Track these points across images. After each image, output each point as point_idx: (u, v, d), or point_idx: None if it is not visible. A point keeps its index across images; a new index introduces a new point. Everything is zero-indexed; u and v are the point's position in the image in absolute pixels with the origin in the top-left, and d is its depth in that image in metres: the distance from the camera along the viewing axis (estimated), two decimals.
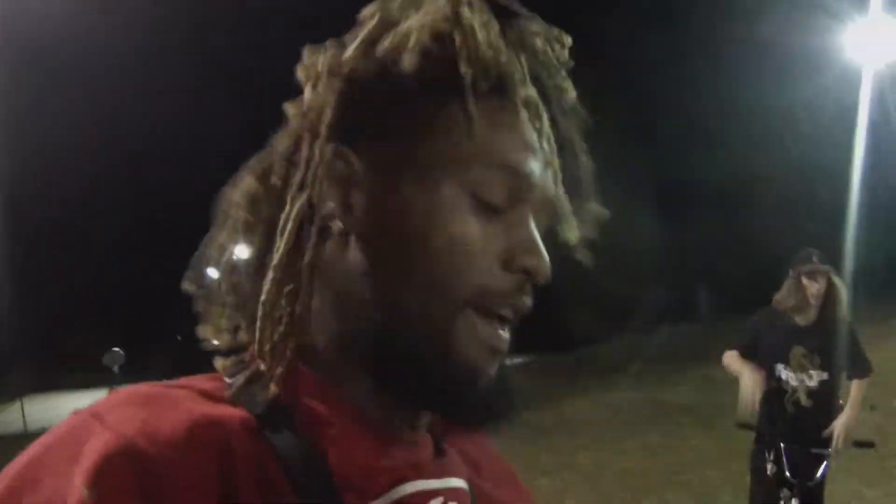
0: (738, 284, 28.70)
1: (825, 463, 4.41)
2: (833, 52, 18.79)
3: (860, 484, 6.58)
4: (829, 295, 4.46)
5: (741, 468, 7.36)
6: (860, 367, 4.51)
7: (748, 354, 4.65)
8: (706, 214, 27.69)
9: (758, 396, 4.36)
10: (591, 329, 26.95)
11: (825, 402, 4.45)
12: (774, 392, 4.47)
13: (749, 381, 4.40)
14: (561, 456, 9.63)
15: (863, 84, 18.43)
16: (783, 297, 4.60)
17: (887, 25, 16.91)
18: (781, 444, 4.38)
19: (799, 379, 4.44)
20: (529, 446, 9.95)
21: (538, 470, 8.52)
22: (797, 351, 4.46)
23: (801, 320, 4.53)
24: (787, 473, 4.33)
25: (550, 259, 0.72)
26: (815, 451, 4.38)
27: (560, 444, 10.46)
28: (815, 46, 19.95)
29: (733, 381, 11.22)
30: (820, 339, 4.46)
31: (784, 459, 4.36)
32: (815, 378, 4.44)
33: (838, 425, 4.37)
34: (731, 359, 4.69)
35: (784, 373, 4.47)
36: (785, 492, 4.34)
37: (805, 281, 4.43)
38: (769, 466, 4.41)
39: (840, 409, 4.42)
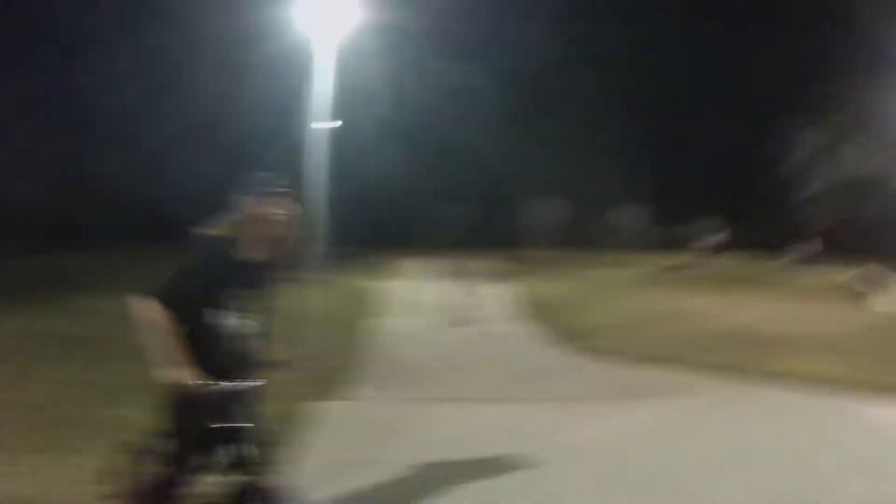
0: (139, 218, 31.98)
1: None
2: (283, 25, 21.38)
3: None
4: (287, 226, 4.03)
5: (113, 399, 7.53)
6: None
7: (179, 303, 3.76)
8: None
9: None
10: None
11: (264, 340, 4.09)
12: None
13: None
14: None
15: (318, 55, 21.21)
16: (245, 228, 3.94)
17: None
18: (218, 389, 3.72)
19: (242, 324, 3.92)
20: None
21: None
22: (245, 293, 3.93)
23: (251, 256, 3.97)
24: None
25: None
26: (246, 384, 3.90)
27: None
28: (272, 20, 22.64)
29: (111, 314, 11.19)
30: (265, 278, 4.08)
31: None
32: (256, 320, 4.01)
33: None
34: (170, 332, 3.69)
35: (229, 319, 3.87)
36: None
37: (267, 207, 3.90)
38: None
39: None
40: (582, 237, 54.33)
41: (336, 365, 10.08)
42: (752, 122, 54.32)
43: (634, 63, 57.08)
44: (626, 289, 24.47)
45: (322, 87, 22.87)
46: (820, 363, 12.02)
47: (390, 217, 46.97)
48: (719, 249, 42.94)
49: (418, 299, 17.99)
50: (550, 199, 54.14)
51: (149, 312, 3.69)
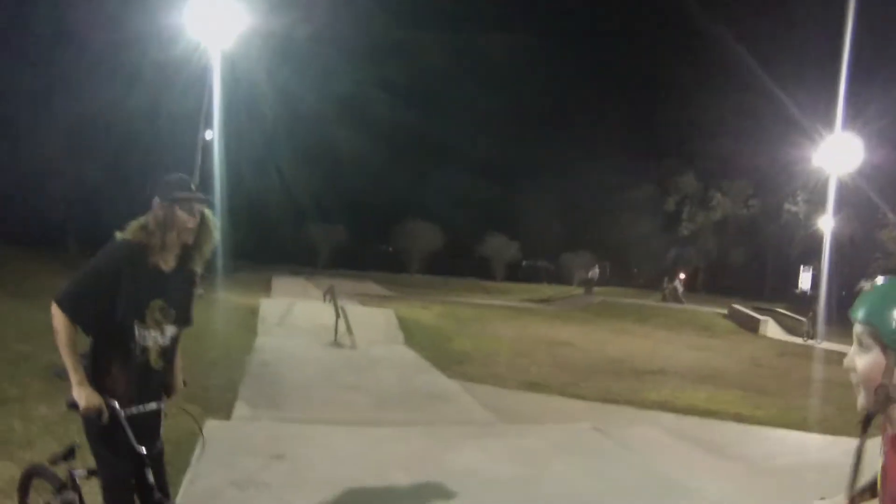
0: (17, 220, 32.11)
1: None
2: (177, 33, 21.41)
3: None
4: (202, 232, 3.76)
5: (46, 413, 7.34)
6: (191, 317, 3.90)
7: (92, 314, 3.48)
8: None
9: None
10: None
11: (172, 357, 3.83)
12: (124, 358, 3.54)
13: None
14: None
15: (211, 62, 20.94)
16: (154, 232, 3.60)
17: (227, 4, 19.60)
18: (123, 412, 3.45)
19: (153, 338, 3.61)
20: None
21: None
22: (156, 304, 3.59)
23: (163, 264, 3.65)
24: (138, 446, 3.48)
25: None
26: (154, 407, 3.66)
27: None
28: (159, 26, 22.97)
29: None
30: (179, 287, 3.75)
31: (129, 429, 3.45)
32: (168, 333, 3.69)
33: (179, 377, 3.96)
34: (72, 342, 3.42)
35: (139, 332, 3.54)
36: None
37: (180, 213, 3.61)
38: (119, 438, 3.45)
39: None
40: (455, 264, 54.92)
41: (215, 384, 9.97)
42: (628, 165, 56.32)
43: (518, 95, 58.24)
44: (500, 317, 24.84)
45: (209, 94, 22.57)
46: (695, 393, 12.59)
47: (269, 232, 46.28)
48: (592, 283, 44.07)
49: (295, 318, 17.89)
50: (424, 224, 54.58)
51: (53, 318, 3.41)
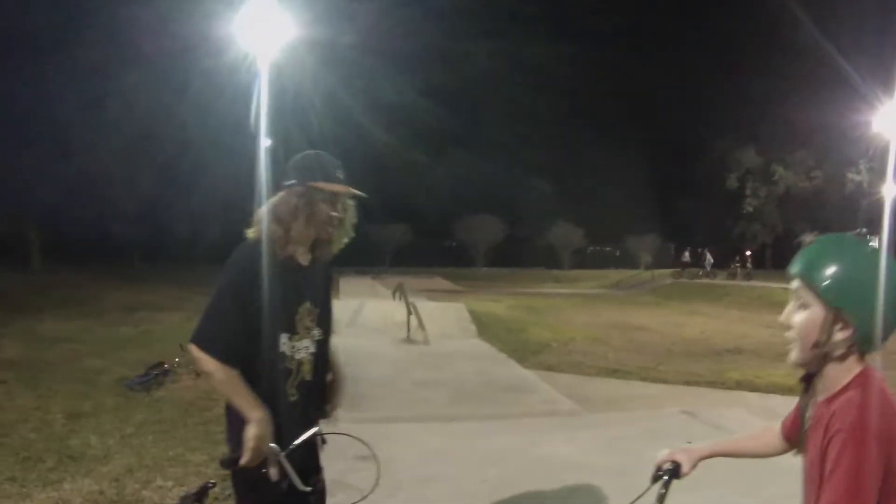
0: (79, 235, 31.86)
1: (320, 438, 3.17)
2: (225, 42, 20.94)
3: None
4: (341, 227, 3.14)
5: (72, 427, 7.27)
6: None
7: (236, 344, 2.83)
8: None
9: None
10: None
11: (324, 364, 3.20)
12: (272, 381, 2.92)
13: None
14: None
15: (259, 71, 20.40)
16: (287, 223, 2.97)
17: (275, 14, 18.18)
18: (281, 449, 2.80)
19: (305, 347, 3.03)
20: None
21: None
22: (304, 307, 3.02)
23: (303, 259, 3.04)
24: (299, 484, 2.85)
25: None
26: (314, 432, 3.05)
27: None
28: (208, 36, 22.89)
29: (58, 338, 12.27)
30: (319, 283, 3.16)
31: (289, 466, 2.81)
32: (317, 337, 3.10)
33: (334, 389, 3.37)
34: (234, 379, 2.79)
35: (291, 344, 2.97)
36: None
37: (323, 206, 3.00)
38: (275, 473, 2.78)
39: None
40: (521, 255, 54.78)
41: None
42: (687, 143, 55.57)
43: (568, 83, 57.83)
44: (571, 305, 24.62)
45: (259, 102, 22.62)
46: (774, 371, 12.28)
47: None
48: (710, 267, 43.71)
49: (365, 318, 17.82)
50: (487, 217, 54.46)
51: (200, 363, 2.81)
